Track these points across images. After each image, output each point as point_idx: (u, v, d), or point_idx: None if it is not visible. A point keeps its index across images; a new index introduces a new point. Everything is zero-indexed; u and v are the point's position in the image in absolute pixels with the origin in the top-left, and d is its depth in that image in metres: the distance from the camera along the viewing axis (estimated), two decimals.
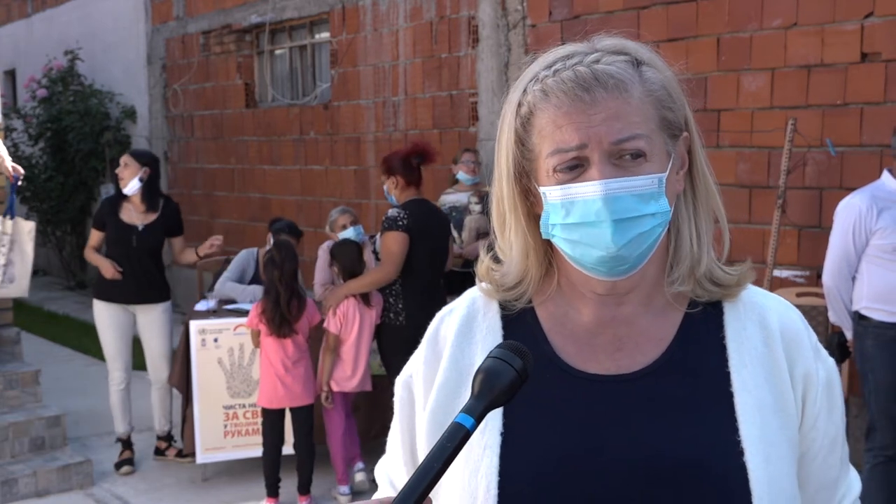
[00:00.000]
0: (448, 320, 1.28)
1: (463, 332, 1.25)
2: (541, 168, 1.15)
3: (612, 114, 1.10)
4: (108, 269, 5.33)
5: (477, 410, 1.01)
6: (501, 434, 1.15)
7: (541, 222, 1.17)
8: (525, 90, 1.16)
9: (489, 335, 1.23)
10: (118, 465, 5.50)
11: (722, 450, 1.12)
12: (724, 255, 1.22)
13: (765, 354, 1.17)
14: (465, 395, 1.19)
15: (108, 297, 5.41)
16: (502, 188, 1.20)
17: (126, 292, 5.39)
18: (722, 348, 1.18)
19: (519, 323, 1.23)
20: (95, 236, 5.50)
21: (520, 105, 1.17)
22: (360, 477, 5.08)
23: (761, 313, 1.21)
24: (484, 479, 1.13)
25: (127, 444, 5.56)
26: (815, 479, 1.21)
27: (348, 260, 4.98)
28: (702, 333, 1.19)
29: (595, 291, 1.18)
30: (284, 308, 4.72)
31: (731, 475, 1.10)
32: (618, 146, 1.10)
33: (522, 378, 1.04)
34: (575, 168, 1.12)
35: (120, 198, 5.44)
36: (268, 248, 5.18)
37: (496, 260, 1.26)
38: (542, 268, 1.23)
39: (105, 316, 5.44)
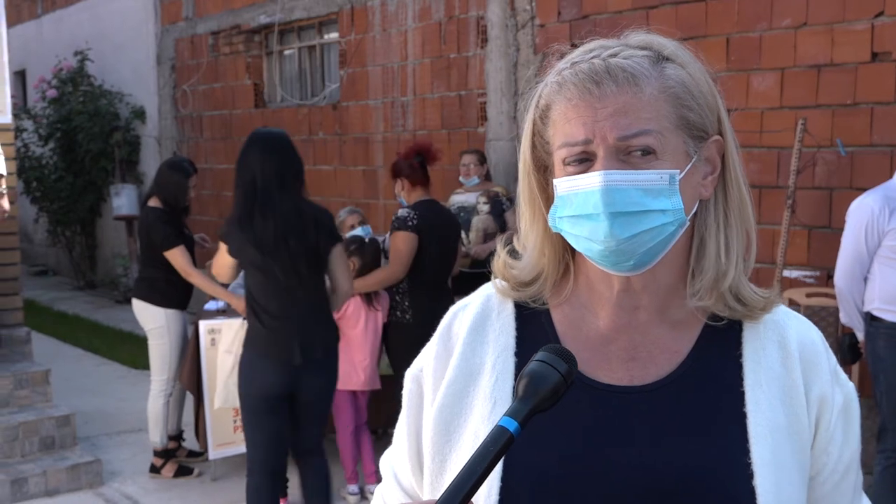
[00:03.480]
0: (461, 316, 1.25)
1: (476, 329, 1.22)
2: (556, 161, 1.15)
3: (619, 108, 1.08)
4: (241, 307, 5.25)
5: (521, 414, 1.00)
6: None
7: (549, 215, 1.16)
8: (546, 83, 1.16)
9: (502, 335, 1.21)
10: (156, 469, 5.42)
11: (732, 470, 1.09)
12: (750, 266, 1.17)
13: (782, 375, 1.14)
14: (474, 395, 1.19)
15: (181, 305, 5.39)
16: (524, 181, 1.20)
17: (189, 298, 5.46)
18: (738, 366, 1.15)
19: (533, 324, 1.21)
20: (186, 255, 5.17)
21: (539, 98, 1.17)
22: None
23: (781, 333, 1.17)
24: (486, 483, 1.11)
25: (164, 453, 5.47)
26: None
27: (370, 258, 5.02)
28: (718, 350, 1.16)
29: (612, 286, 1.16)
30: None
31: (740, 497, 1.08)
32: (624, 142, 1.08)
33: (568, 382, 1.03)
34: (584, 161, 1.11)
35: (182, 213, 5.39)
36: None
37: (513, 255, 1.24)
38: (558, 265, 1.21)
39: (177, 323, 5.38)
